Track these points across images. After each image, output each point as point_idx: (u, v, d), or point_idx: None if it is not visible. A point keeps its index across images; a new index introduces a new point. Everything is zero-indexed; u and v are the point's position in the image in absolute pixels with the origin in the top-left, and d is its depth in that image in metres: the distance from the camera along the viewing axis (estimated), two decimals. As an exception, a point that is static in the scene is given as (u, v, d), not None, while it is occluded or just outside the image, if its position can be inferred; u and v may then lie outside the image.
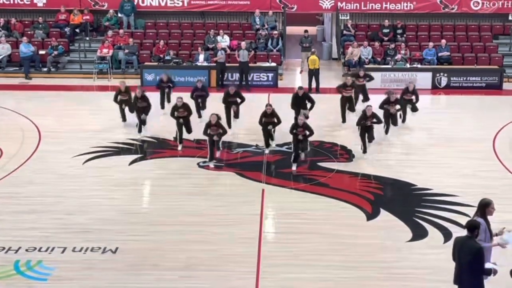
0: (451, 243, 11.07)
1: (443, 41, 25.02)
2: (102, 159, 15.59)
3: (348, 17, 26.89)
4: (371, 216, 12.50)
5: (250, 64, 23.67)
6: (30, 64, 24.68)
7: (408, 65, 23.99)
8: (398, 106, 16.89)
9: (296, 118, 15.25)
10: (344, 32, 26.49)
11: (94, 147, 16.28)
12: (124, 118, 18.18)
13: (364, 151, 15.66)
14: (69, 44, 26.01)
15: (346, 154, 16.06)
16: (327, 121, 18.19)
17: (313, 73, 22.55)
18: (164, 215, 12.45)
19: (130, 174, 14.68)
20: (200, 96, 18.25)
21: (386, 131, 16.82)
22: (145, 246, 11.13)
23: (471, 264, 7.94)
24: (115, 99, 17.99)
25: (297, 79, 25.08)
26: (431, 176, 14.52)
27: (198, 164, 15.19)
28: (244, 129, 17.44)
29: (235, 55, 23.70)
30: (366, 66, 23.63)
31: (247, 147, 16.48)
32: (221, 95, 18.09)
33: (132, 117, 17.89)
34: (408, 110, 18.14)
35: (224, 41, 24.90)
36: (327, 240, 11.38)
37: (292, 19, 28.85)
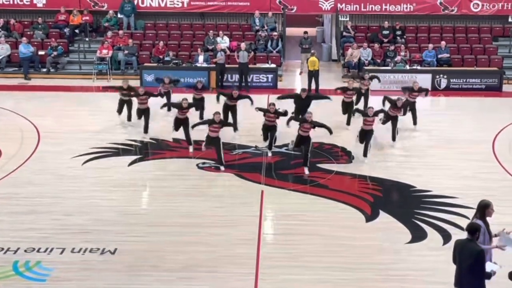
0: (450, 245, 11.10)
1: (443, 42, 25.04)
2: (101, 160, 15.58)
3: (347, 19, 26.90)
4: (370, 217, 12.49)
5: (249, 65, 23.67)
6: (29, 65, 24.67)
7: (407, 67, 23.99)
8: (381, 115, 16.62)
9: (302, 117, 15.15)
10: (344, 33, 26.50)
11: (93, 148, 16.26)
12: (121, 113, 18.16)
13: (364, 155, 15.60)
14: (69, 45, 26.00)
15: (346, 156, 16.05)
16: (327, 122, 18.09)
17: (313, 75, 22.54)
18: (163, 216, 12.44)
19: (129, 175, 14.66)
20: (198, 96, 18.21)
21: (393, 138, 16.73)
22: (144, 247, 11.12)
23: (472, 267, 7.91)
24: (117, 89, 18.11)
25: (297, 81, 25.09)
26: (430, 178, 14.52)
27: (197, 165, 15.17)
28: (244, 131, 17.39)
29: (235, 56, 23.70)
30: (365, 68, 23.65)
31: (246, 148, 16.47)
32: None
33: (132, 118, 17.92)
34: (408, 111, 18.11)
35: (223, 42, 24.90)
36: (326, 242, 11.37)
37: (291, 20, 28.86)
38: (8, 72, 24.87)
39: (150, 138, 17.06)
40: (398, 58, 24.15)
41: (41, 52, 25.13)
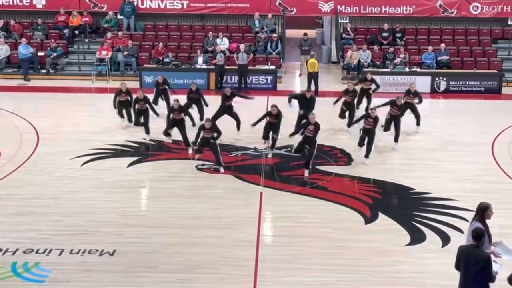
0: (449, 247, 11.17)
1: (442, 45, 25.06)
2: (100, 161, 15.57)
3: (347, 21, 26.91)
4: (369, 219, 12.48)
5: (249, 67, 23.67)
6: (28, 66, 24.67)
7: (407, 69, 23.99)
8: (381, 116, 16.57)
9: (306, 117, 15.12)
10: (344, 35, 26.51)
11: (92, 149, 16.25)
12: (123, 116, 18.11)
13: (366, 156, 15.60)
14: (68, 46, 26.01)
15: (345, 158, 16.04)
16: (326, 124, 18.12)
17: (312, 76, 22.54)
18: (162, 218, 12.42)
19: (128, 176, 14.65)
20: (194, 98, 18.18)
21: (396, 139, 16.70)
22: (143, 248, 11.10)
23: (479, 273, 7.83)
24: (114, 101, 17.94)
25: (296, 82, 25.10)
26: (429, 180, 14.52)
27: (196, 166, 15.16)
28: (243, 132, 17.35)
29: (234, 58, 23.70)
30: (365, 69, 23.65)
31: (246, 150, 16.46)
32: (219, 97, 18.03)
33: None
34: (408, 113, 18.07)
35: (223, 43, 24.91)
36: (325, 244, 11.36)
37: (291, 22, 28.90)
38: (8, 73, 24.87)
39: (150, 140, 17.05)
40: (397, 60, 24.14)
41: (40, 53, 25.15)
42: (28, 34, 26.15)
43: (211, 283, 10.04)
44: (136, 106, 17.18)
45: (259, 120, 16.24)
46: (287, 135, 16.86)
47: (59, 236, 11.44)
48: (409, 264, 10.75)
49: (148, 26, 26.97)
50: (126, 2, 26.26)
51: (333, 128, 18.03)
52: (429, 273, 10.37)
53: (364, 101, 19.33)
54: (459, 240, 10.81)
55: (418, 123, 17.97)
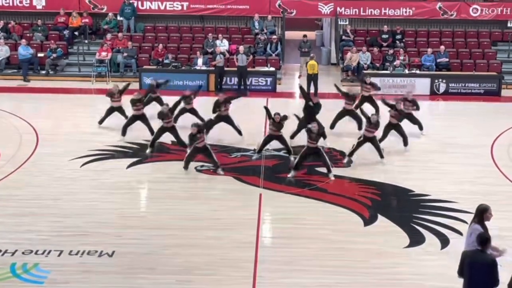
0: (448, 249, 11.19)
1: (442, 47, 25.08)
2: (99, 162, 15.57)
3: (347, 23, 26.94)
4: (368, 221, 12.48)
5: (248, 69, 23.68)
6: (28, 67, 24.70)
7: (406, 71, 24.03)
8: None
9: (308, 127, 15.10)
10: (343, 37, 26.53)
11: (91, 150, 16.25)
12: (101, 122, 18.11)
13: (350, 155, 15.72)
14: (68, 47, 26.03)
15: (344, 160, 16.03)
16: (326, 126, 18.11)
17: (312, 78, 22.56)
18: (161, 219, 12.42)
19: (128, 178, 14.65)
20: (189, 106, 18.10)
21: (405, 143, 16.70)
22: (142, 250, 11.10)
23: (485, 277, 7.81)
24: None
25: (296, 84, 25.10)
26: (429, 182, 14.52)
27: (195, 168, 15.16)
28: (242, 134, 17.37)
29: (234, 59, 23.71)
30: (364, 71, 23.67)
31: (245, 151, 16.46)
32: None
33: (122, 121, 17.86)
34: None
35: (223, 45, 24.92)
36: (324, 245, 11.36)
37: (291, 24, 28.92)
38: (7, 73, 24.89)
39: (148, 141, 17.02)
40: (397, 62, 24.17)
41: (40, 54, 25.16)
42: (28, 35, 26.17)
43: (210, 284, 10.04)
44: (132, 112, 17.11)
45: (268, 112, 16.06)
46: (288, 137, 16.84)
47: (58, 237, 11.44)
48: (408, 266, 10.74)
49: (148, 27, 26.99)
50: (126, 4, 26.27)
51: (333, 131, 17.98)
52: (428, 275, 10.36)
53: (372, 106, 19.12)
54: (458, 242, 10.84)
55: (420, 128, 17.91)
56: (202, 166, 15.27)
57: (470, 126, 19.51)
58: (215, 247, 11.21)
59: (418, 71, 24.14)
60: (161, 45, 24.97)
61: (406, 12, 26.71)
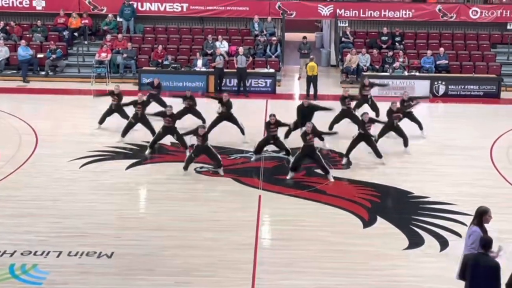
0: (447, 251, 11.17)
1: (441, 49, 25.10)
2: (98, 163, 15.56)
3: (346, 24, 26.96)
4: (367, 223, 12.48)
5: (248, 70, 23.68)
6: (28, 68, 24.69)
7: (406, 73, 24.05)
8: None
9: (303, 131, 15.03)
10: (343, 39, 26.55)
11: (91, 151, 16.24)
12: (101, 122, 18.07)
13: (345, 155, 15.74)
14: (68, 48, 26.03)
15: (343, 161, 16.02)
16: (325, 128, 18.09)
17: (312, 80, 22.56)
18: (160, 220, 12.41)
19: (127, 179, 14.64)
20: (188, 104, 18.12)
21: (405, 144, 16.68)
22: (141, 251, 11.09)
23: (488, 281, 7.81)
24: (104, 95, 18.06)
25: (295, 86, 25.12)
26: (428, 184, 14.52)
27: (195, 169, 15.15)
28: (242, 135, 17.35)
29: (233, 61, 23.71)
30: (364, 73, 23.68)
31: (245, 153, 16.46)
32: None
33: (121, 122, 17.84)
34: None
35: (222, 46, 24.92)
36: (324, 247, 11.35)
37: (291, 25, 28.93)
38: (7, 74, 24.90)
39: (148, 142, 17.01)
40: (396, 64, 24.19)
41: (40, 55, 25.17)
42: (27, 36, 26.17)
43: (209, 286, 10.02)
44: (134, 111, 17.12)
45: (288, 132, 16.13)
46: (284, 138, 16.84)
47: (57, 238, 11.43)
48: (407, 268, 10.74)
49: (148, 28, 26.99)
50: (126, 5, 26.28)
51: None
52: (427, 277, 10.36)
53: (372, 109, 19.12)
54: (457, 244, 10.84)
55: (421, 128, 17.91)
56: (201, 167, 15.27)
57: (469, 128, 19.52)
58: (214, 249, 11.20)
59: (417, 73, 24.17)
60: (160, 46, 24.97)
61: (405, 14, 26.72)
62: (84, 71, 25.06)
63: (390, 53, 24.83)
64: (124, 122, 17.45)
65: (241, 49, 23.75)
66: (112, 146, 16.75)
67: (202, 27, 27.20)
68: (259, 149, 15.83)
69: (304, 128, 14.87)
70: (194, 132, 14.81)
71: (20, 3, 26.86)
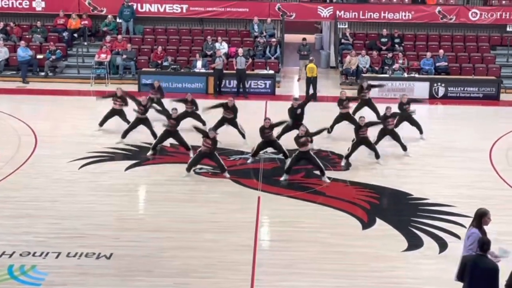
0: (446, 253, 11.17)
1: (441, 51, 25.12)
2: (98, 164, 15.56)
3: (346, 26, 26.97)
4: (366, 225, 12.47)
5: (248, 72, 23.68)
6: (27, 68, 24.69)
7: (405, 75, 24.04)
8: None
9: (296, 135, 14.99)
10: (342, 40, 26.56)
11: (90, 152, 16.24)
12: (103, 121, 18.04)
13: (346, 157, 15.76)
14: (67, 49, 26.02)
15: (342, 162, 16.02)
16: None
17: (311, 81, 22.55)
18: (159, 221, 12.40)
19: (126, 180, 14.64)
20: (190, 109, 18.09)
21: (403, 148, 16.63)
22: (140, 252, 11.08)
23: (486, 283, 7.80)
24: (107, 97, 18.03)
25: (295, 87, 25.12)
26: (427, 186, 14.52)
27: (194, 170, 15.14)
28: (241, 137, 17.34)
29: (233, 62, 23.71)
30: (363, 75, 23.69)
31: (244, 154, 16.45)
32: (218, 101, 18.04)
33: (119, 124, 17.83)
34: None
35: (222, 48, 24.93)
36: (323, 249, 11.35)
37: (290, 27, 28.93)
38: (6, 75, 24.89)
39: (147, 143, 17.01)
40: (396, 66, 24.19)
41: (39, 56, 25.17)
42: (27, 36, 26.16)
43: (208, 287, 10.01)
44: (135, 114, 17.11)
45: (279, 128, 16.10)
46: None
47: (56, 239, 11.41)
48: (406, 269, 10.74)
49: (147, 29, 26.99)
50: (125, 6, 26.28)
51: (331, 133, 17.96)
52: (426, 278, 10.35)
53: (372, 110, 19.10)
54: (456, 246, 10.84)
55: (421, 132, 17.90)
56: (200, 168, 15.26)
57: (468, 130, 19.52)
58: (213, 250, 11.20)
59: (417, 75, 24.17)
60: (160, 47, 24.97)
61: (405, 16, 26.74)
62: (84, 72, 25.06)
63: (390, 55, 24.84)
64: (124, 124, 17.45)
65: (240, 51, 23.75)
66: (111, 147, 16.74)
67: (202, 28, 27.20)
68: (256, 152, 15.83)
69: (297, 133, 14.83)
70: (205, 134, 14.77)
71: (20, 4, 26.87)
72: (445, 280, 9.75)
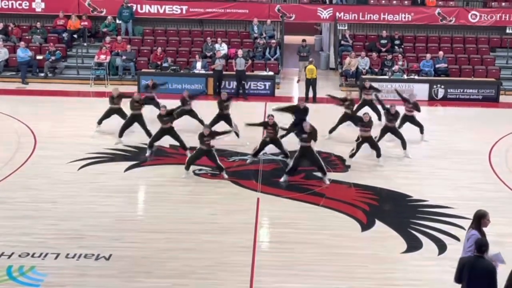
0: (445, 255, 11.16)
1: (441, 53, 25.11)
2: (97, 165, 15.55)
3: (346, 27, 26.96)
4: (366, 226, 12.47)
5: (247, 73, 23.68)
6: (27, 69, 24.67)
7: (405, 76, 24.03)
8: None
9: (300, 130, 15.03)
10: (342, 42, 26.54)
11: (89, 153, 16.24)
12: (102, 120, 18.03)
13: (351, 156, 15.78)
14: (67, 50, 26.01)
15: (343, 164, 16.03)
16: (324, 131, 18.13)
17: (311, 83, 22.57)
18: (158, 223, 12.40)
19: (125, 181, 14.63)
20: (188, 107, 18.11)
21: (403, 147, 16.64)
22: (139, 253, 11.08)
23: (484, 284, 7.80)
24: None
25: (294, 88, 25.12)
26: (426, 188, 14.53)
27: (193, 171, 15.14)
28: (240, 138, 17.34)
29: (232, 63, 23.71)
30: (363, 76, 23.69)
31: (243, 155, 16.45)
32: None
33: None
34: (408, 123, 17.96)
35: (222, 49, 24.92)
36: (322, 250, 11.35)
37: (290, 28, 28.91)
38: (6, 76, 24.87)
39: (146, 144, 17.00)
40: (395, 67, 24.18)
41: (39, 57, 25.15)
42: (27, 37, 26.14)
43: (207, 288, 10.03)
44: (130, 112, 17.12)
45: (254, 125, 16.12)
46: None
47: (55, 240, 11.41)
48: (405, 271, 10.73)
49: (147, 30, 26.98)
50: (124, 7, 26.28)
51: (326, 135, 17.94)
52: (426, 280, 10.36)
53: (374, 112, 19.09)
54: (455, 248, 10.82)
55: (421, 131, 17.92)
56: (200, 169, 15.26)
57: (468, 132, 19.51)
58: (213, 251, 11.19)
59: (416, 77, 24.16)
60: (160, 48, 24.96)
61: (405, 17, 26.75)
62: (83, 73, 25.04)
63: (389, 57, 24.84)
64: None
65: (240, 52, 23.75)
66: (110, 148, 16.74)
67: (202, 29, 27.20)
68: (257, 151, 15.82)
69: (303, 125, 14.82)
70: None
71: (20, 4, 26.86)
72: (444, 282, 9.75)
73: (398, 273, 10.68)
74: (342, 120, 17.91)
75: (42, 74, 24.81)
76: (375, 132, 16.40)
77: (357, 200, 13.73)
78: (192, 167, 15.09)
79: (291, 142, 16.21)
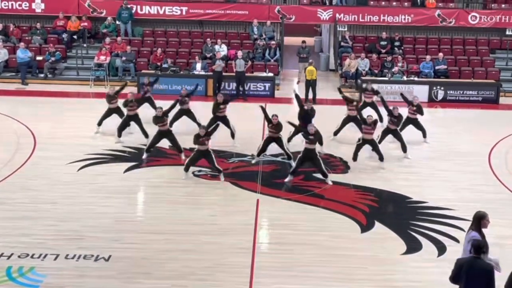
0: (445, 256, 11.16)
1: (440, 54, 25.12)
2: (96, 166, 15.54)
3: (346, 29, 26.97)
4: (365, 228, 12.47)
5: (247, 74, 23.68)
6: (27, 70, 24.67)
7: (405, 78, 24.03)
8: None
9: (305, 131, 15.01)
10: (342, 43, 26.55)
11: (89, 154, 16.23)
12: (101, 121, 18.03)
13: (354, 159, 15.75)
14: (67, 51, 26.01)
15: (342, 166, 16.04)
16: (324, 132, 18.09)
17: (310, 84, 22.57)
18: (158, 224, 12.40)
19: (125, 182, 14.63)
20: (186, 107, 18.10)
21: (403, 150, 16.65)
22: (138, 254, 11.07)
23: (482, 284, 7.80)
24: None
25: (294, 90, 25.08)
26: (426, 189, 14.53)
27: (193, 173, 15.13)
28: (240, 139, 17.35)
29: (232, 64, 23.71)
30: (363, 78, 23.69)
31: (243, 156, 16.45)
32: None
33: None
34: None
35: (221, 50, 24.92)
36: (321, 252, 11.34)
37: (290, 29, 28.93)
38: (6, 77, 24.86)
39: (146, 145, 17.00)
40: (395, 69, 24.19)
41: (39, 58, 25.14)
42: (26, 38, 26.14)
43: (207, 290, 10.02)
44: (126, 112, 17.12)
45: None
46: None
47: (54, 241, 11.40)
48: (405, 273, 10.72)
49: (147, 31, 26.99)
50: (124, 8, 26.28)
51: (331, 135, 17.96)
52: (425, 282, 10.36)
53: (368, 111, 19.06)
54: (455, 249, 10.83)
55: (424, 136, 17.91)
56: (199, 171, 15.25)
57: (467, 134, 19.51)
58: (212, 252, 11.19)
59: (416, 78, 24.16)
60: (159, 49, 24.96)
61: (405, 19, 26.76)
62: (83, 74, 25.04)
63: (389, 58, 24.85)
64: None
65: (239, 53, 23.75)
66: (110, 149, 16.73)
67: (201, 30, 27.21)
68: (261, 151, 15.84)
69: (307, 128, 14.82)
70: (196, 136, 14.74)
71: (20, 5, 26.85)
72: (444, 284, 9.71)
73: (397, 274, 10.67)
74: (345, 122, 17.90)
75: (42, 75, 24.81)
76: (375, 133, 16.36)
77: (357, 202, 13.73)
78: (191, 169, 15.08)
79: (295, 144, 16.26)
